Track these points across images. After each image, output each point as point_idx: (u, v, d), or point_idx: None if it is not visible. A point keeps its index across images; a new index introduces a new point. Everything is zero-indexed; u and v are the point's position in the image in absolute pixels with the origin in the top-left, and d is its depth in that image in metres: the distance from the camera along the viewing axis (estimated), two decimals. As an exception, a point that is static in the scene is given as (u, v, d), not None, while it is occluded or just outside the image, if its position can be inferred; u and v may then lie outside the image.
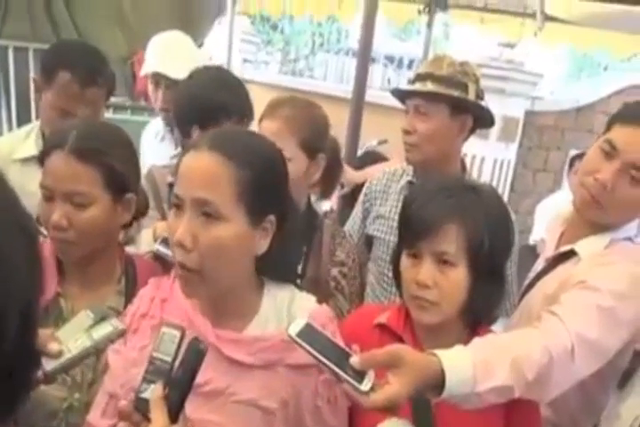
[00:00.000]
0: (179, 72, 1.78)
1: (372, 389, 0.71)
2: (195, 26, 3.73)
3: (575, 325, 0.93)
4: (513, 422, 0.94)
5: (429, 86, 1.38)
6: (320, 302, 0.92)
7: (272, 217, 0.81)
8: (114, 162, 1.00)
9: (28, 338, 0.33)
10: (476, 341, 0.86)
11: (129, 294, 1.04)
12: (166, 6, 3.59)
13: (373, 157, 2.39)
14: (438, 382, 0.75)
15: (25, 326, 0.33)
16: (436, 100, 1.38)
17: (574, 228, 1.19)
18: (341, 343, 0.76)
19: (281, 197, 0.84)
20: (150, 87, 1.88)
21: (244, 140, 0.84)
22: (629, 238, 1.15)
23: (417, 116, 1.40)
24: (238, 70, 4.70)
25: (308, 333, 0.73)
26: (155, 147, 1.97)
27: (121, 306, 1.02)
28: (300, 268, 1.21)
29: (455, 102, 1.38)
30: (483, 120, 1.45)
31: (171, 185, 0.82)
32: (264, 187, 0.79)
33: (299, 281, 1.20)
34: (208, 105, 1.36)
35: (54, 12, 3.01)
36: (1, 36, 2.62)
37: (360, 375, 0.71)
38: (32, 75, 2.83)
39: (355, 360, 0.72)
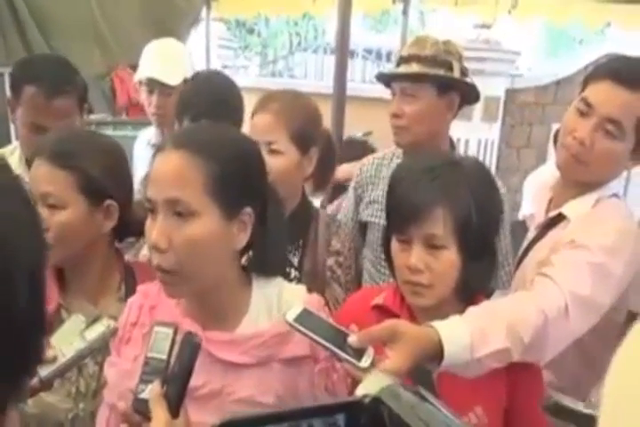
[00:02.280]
0: (172, 78, 1.82)
1: (372, 365, 0.72)
2: (171, 36, 3.74)
3: (567, 283, 0.94)
4: (515, 387, 0.95)
5: (414, 68, 1.39)
6: (318, 291, 0.92)
7: (248, 209, 0.80)
8: (87, 166, 1.02)
9: (37, 304, 0.34)
10: (471, 309, 0.87)
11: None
12: (141, 20, 3.60)
13: (357, 147, 2.39)
14: (437, 353, 0.77)
15: (34, 292, 0.33)
16: (423, 80, 1.38)
17: (561, 192, 1.21)
18: (338, 325, 0.77)
19: (256, 188, 0.83)
20: (143, 93, 1.90)
21: (209, 134, 0.83)
22: (615, 195, 1.16)
23: (404, 99, 1.40)
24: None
25: (306, 317, 0.74)
26: (147, 155, 1.99)
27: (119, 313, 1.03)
28: (296, 260, 1.23)
29: (441, 81, 1.39)
30: (469, 96, 1.47)
31: None
32: (234, 179, 0.79)
33: (297, 273, 1.21)
34: (211, 100, 1.38)
35: (28, 35, 3.02)
36: (-24, 64, 2.63)
37: (359, 353, 0.73)
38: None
39: (352, 339, 0.73)
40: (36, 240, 0.34)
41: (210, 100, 1.41)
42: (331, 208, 1.90)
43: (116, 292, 1.08)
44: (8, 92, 2.80)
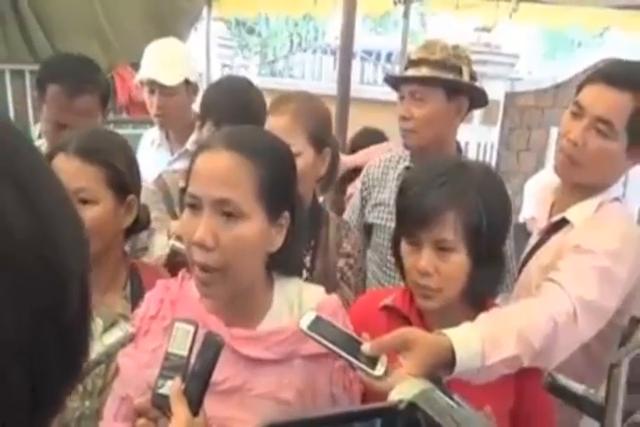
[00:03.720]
0: (170, 79, 1.82)
1: (386, 373, 0.73)
2: (173, 35, 3.74)
3: (574, 288, 0.94)
4: (524, 392, 0.96)
5: (424, 71, 1.39)
6: (328, 292, 0.93)
7: (287, 213, 0.83)
8: (115, 161, 1.03)
9: (86, 308, 0.34)
10: (482, 316, 0.88)
11: (135, 300, 1.05)
12: (143, 18, 3.59)
13: (371, 135, 2.40)
14: (449, 360, 0.78)
15: (83, 296, 0.34)
16: (432, 84, 1.39)
17: (563, 197, 1.22)
18: (351, 332, 0.78)
19: (293, 193, 0.86)
20: (145, 94, 1.90)
21: (258, 138, 0.85)
22: (617, 199, 1.17)
23: (413, 102, 1.41)
24: (217, 76, 4.71)
25: (319, 325, 0.75)
26: (151, 154, 2.00)
27: (128, 312, 1.03)
28: (309, 261, 1.24)
29: (451, 85, 1.40)
30: (477, 101, 1.48)
31: (183, 189, 0.83)
32: (280, 184, 0.81)
33: (308, 274, 1.22)
34: (235, 106, 1.40)
35: (29, 32, 3.01)
36: (-23, 60, 2.62)
37: (373, 361, 0.74)
38: (10, 96, 2.84)
39: (366, 347, 0.74)
40: (83, 242, 0.35)
41: (234, 106, 1.42)
42: (350, 191, 1.90)
43: (122, 290, 1.08)
44: (9, 90, 2.83)
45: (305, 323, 0.74)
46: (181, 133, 1.88)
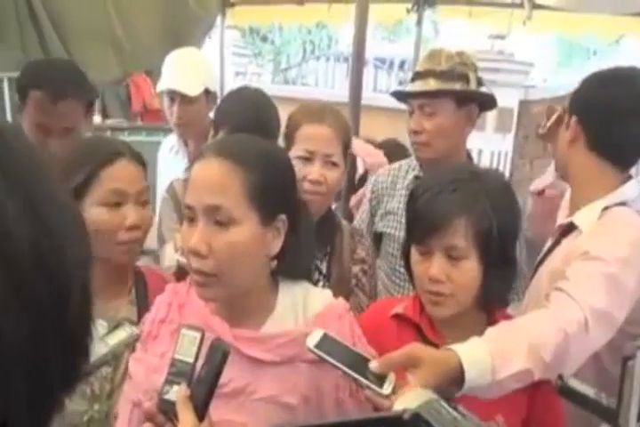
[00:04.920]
0: (192, 88, 1.84)
1: (394, 391, 0.72)
2: (187, 43, 3.78)
3: (585, 297, 0.93)
4: (535, 399, 0.94)
5: (432, 83, 1.39)
6: (344, 299, 0.93)
7: (283, 216, 0.83)
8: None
9: (87, 312, 0.35)
10: (490, 330, 0.86)
11: (141, 305, 1.06)
12: (157, 26, 3.64)
13: (393, 147, 2.40)
14: (458, 377, 0.76)
15: (85, 301, 0.35)
16: (441, 96, 1.39)
17: (571, 201, 1.23)
18: (359, 350, 0.78)
19: (290, 196, 0.86)
20: (165, 103, 1.93)
21: (248, 144, 0.86)
22: (623, 203, 1.15)
23: (423, 116, 1.40)
24: (231, 84, 4.75)
25: (326, 343, 0.75)
26: (170, 161, 2.04)
27: (134, 316, 1.04)
28: (325, 268, 1.24)
29: (460, 95, 1.39)
30: (486, 104, 1.47)
31: None
32: (272, 187, 0.81)
33: (325, 281, 1.22)
34: (249, 118, 1.40)
35: (46, 40, 3.07)
36: (-4, 69, 2.67)
37: (380, 379, 0.73)
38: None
39: (373, 365, 0.73)
40: (86, 248, 0.35)
41: (247, 117, 1.43)
42: (355, 199, 1.91)
43: (128, 295, 1.09)
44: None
45: (312, 341, 0.74)
46: (199, 141, 1.89)
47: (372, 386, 0.72)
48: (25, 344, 0.30)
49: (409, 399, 0.66)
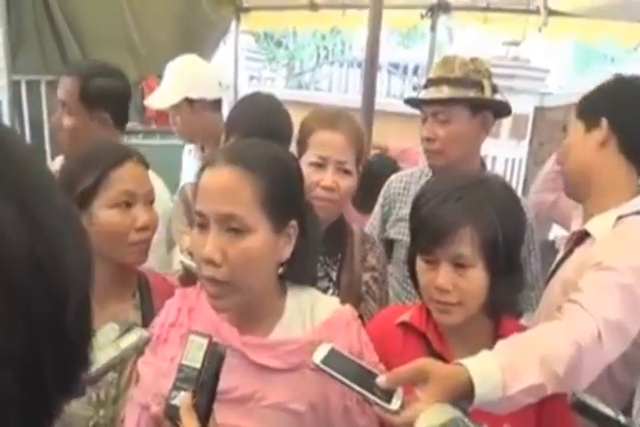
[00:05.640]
0: (162, 102, 1.89)
1: (402, 407, 0.71)
2: (201, 48, 3.81)
3: (598, 309, 0.91)
4: (545, 416, 0.93)
5: (445, 91, 1.37)
6: (353, 306, 0.92)
7: (294, 222, 0.83)
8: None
9: (87, 319, 0.35)
10: (501, 343, 0.84)
11: (145, 309, 1.07)
12: (172, 31, 3.67)
13: (382, 162, 2.38)
14: (468, 392, 0.75)
15: (84, 308, 0.34)
16: (455, 103, 1.37)
17: (585, 210, 1.22)
18: (366, 365, 0.77)
19: (300, 201, 0.86)
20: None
21: (259, 150, 0.86)
22: (639, 213, 1.13)
23: (437, 123, 1.39)
24: (245, 88, 4.77)
25: (333, 358, 0.74)
26: (189, 163, 2.07)
27: (138, 320, 1.04)
28: (335, 275, 1.24)
29: (474, 102, 1.38)
30: (501, 111, 1.46)
31: None
32: (283, 193, 0.81)
33: (335, 288, 1.21)
34: (260, 125, 1.41)
35: (64, 44, 3.10)
36: (14, 72, 2.70)
37: (388, 395, 0.72)
38: (44, 106, 2.91)
39: (381, 380, 0.72)
40: (86, 257, 0.35)
41: (258, 123, 1.44)
42: None
43: (132, 299, 1.09)
44: (44, 100, 2.91)
45: (318, 357, 0.74)
46: (213, 147, 1.90)
47: (380, 402, 0.71)
48: (19, 349, 0.29)
49: (432, 417, 0.65)
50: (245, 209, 0.77)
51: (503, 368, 0.78)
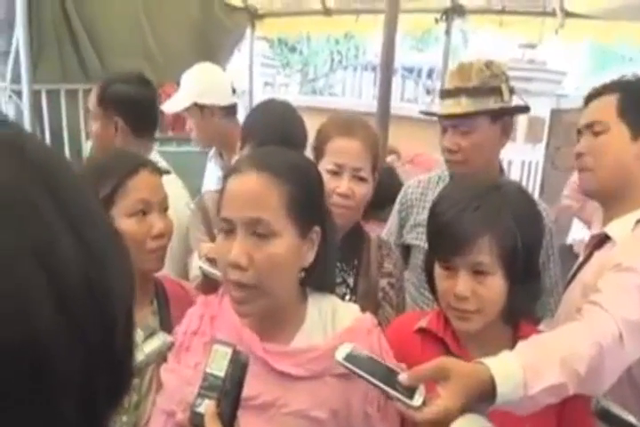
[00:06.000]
0: (171, 107, 1.97)
1: (424, 403, 0.72)
2: (217, 54, 3.85)
3: (618, 309, 0.91)
4: (566, 418, 0.92)
5: (464, 102, 1.35)
6: (371, 312, 0.93)
7: (317, 228, 0.84)
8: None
9: (130, 335, 0.36)
10: (521, 344, 0.84)
11: (162, 314, 1.09)
12: (188, 39, 3.72)
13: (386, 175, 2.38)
14: (489, 391, 0.75)
15: (128, 326, 0.35)
16: (476, 115, 1.36)
17: (605, 213, 1.22)
18: (388, 363, 0.78)
19: (322, 207, 0.87)
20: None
21: (283, 156, 0.87)
22: None
23: (457, 134, 1.37)
24: (259, 94, 4.81)
25: (355, 356, 0.75)
26: (210, 169, 2.11)
27: (156, 326, 1.05)
28: (352, 280, 1.24)
29: (495, 111, 1.37)
30: (519, 112, 1.46)
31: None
32: (307, 199, 0.82)
33: (352, 294, 1.22)
34: (276, 132, 1.42)
35: (83, 54, 3.16)
36: (35, 81, 2.75)
37: (410, 392, 0.73)
38: (64, 114, 2.96)
39: (403, 377, 0.73)
40: (129, 275, 0.36)
41: (273, 130, 1.45)
42: None
43: (150, 305, 1.11)
44: (64, 108, 2.96)
45: (341, 354, 0.75)
46: (229, 154, 1.93)
47: (403, 398, 0.72)
48: (77, 375, 0.30)
49: (462, 425, 0.65)
50: (272, 214, 0.78)
51: (525, 367, 0.77)
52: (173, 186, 1.48)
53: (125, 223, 1.02)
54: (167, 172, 1.16)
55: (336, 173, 1.18)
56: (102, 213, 0.36)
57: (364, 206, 1.27)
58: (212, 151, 2.12)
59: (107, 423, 0.34)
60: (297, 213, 0.79)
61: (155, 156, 1.66)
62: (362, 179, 1.20)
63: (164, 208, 1.09)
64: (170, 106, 1.98)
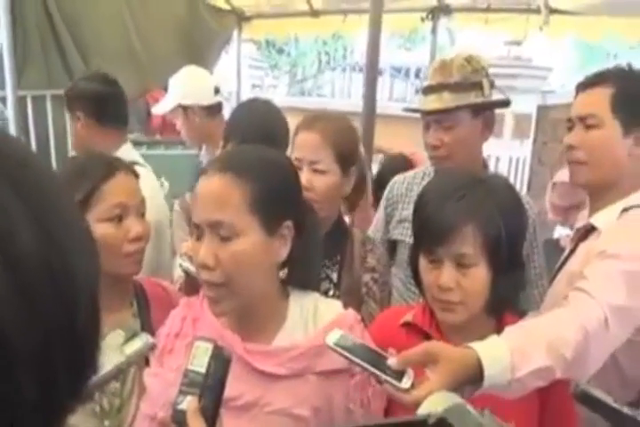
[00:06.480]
0: (159, 109, 2.13)
1: (413, 386, 0.73)
2: (204, 57, 3.84)
3: (603, 295, 0.93)
4: (549, 402, 0.93)
5: (447, 97, 1.37)
6: (355, 307, 0.93)
7: (288, 223, 0.84)
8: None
9: (95, 323, 0.37)
10: (509, 329, 0.86)
11: (143, 317, 1.08)
12: (175, 41, 3.71)
13: (399, 162, 2.39)
14: (477, 374, 0.76)
15: (93, 311, 0.36)
16: (458, 109, 1.37)
17: (591, 205, 1.23)
18: (376, 348, 0.79)
19: (295, 202, 0.87)
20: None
21: (249, 154, 0.87)
22: None
23: (441, 130, 1.39)
24: (248, 96, 4.80)
25: (345, 341, 0.76)
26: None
27: (137, 327, 1.05)
28: (335, 277, 1.24)
29: (476, 106, 1.39)
30: (500, 106, 1.47)
31: None
32: (274, 195, 0.82)
33: (335, 289, 1.22)
34: (257, 130, 1.44)
35: (68, 59, 3.14)
36: (20, 87, 2.74)
37: (399, 375, 0.74)
38: (50, 120, 2.95)
39: (392, 361, 0.74)
40: (93, 259, 0.37)
41: (255, 129, 1.46)
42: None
43: (130, 307, 1.10)
44: (50, 114, 2.95)
45: (331, 339, 0.76)
46: (215, 152, 1.96)
47: (391, 380, 0.73)
48: (36, 355, 0.31)
49: (434, 403, 0.66)
50: (233, 215, 0.79)
51: (512, 351, 0.79)
52: (148, 179, 1.51)
53: (102, 227, 1.01)
54: (136, 163, 1.15)
55: (300, 168, 1.19)
56: (69, 203, 0.37)
57: (338, 199, 1.27)
58: (203, 151, 2.15)
59: (68, 415, 0.35)
60: (262, 210, 0.80)
61: (128, 149, 1.75)
62: (320, 171, 1.20)
63: (141, 212, 1.08)
64: (158, 108, 2.14)
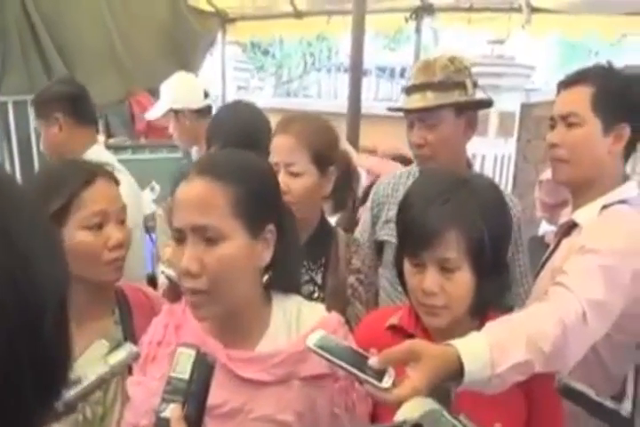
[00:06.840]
0: (152, 114, 2.21)
1: (394, 385, 0.73)
2: (188, 60, 3.83)
3: (582, 289, 0.94)
4: (534, 400, 0.94)
5: (430, 96, 1.38)
6: (340, 309, 0.92)
7: (271, 226, 0.83)
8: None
9: (64, 331, 0.37)
10: (489, 324, 0.87)
11: (125, 324, 1.07)
12: (158, 44, 3.69)
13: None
14: (457, 371, 0.76)
15: (61, 319, 0.36)
16: (441, 108, 1.38)
17: (573, 202, 1.25)
18: (358, 348, 0.78)
19: (276, 206, 0.86)
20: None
21: (228, 158, 0.86)
22: (624, 201, 1.16)
23: (424, 129, 1.40)
24: (233, 98, 4.79)
25: (326, 342, 0.76)
26: None
27: (119, 336, 1.04)
28: (320, 279, 1.24)
29: (459, 104, 1.39)
30: (483, 106, 1.48)
31: None
32: (257, 199, 0.81)
33: (320, 291, 1.21)
34: (239, 133, 1.44)
35: (50, 63, 3.11)
36: (1, 93, 2.71)
37: (380, 374, 0.74)
38: (31, 125, 2.93)
39: (373, 361, 0.74)
40: (61, 274, 0.36)
41: (238, 131, 1.45)
42: (361, 212, 1.91)
43: (112, 315, 1.09)
44: (31, 119, 2.92)
45: (311, 341, 0.75)
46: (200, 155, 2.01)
47: (372, 380, 0.73)
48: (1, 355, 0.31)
49: (410, 409, 0.66)
50: (218, 219, 0.78)
51: (491, 346, 0.79)
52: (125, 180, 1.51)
53: (82, 235, 1.00)
54: (108, 164, 1.12)
55: (277, 171, 1.18)
56: (34, 211, 0.37)
57: (318, 200, 1.27)
58: (194, 152, 2.21)
59: (40, 421, 0.35)
60: (245, 213, 0.79)
61: (100, 150, 1.79)
62: (295, 174, 1.20)
63: (121, 219, 1.06)
64: (151, 113, 2.23)
